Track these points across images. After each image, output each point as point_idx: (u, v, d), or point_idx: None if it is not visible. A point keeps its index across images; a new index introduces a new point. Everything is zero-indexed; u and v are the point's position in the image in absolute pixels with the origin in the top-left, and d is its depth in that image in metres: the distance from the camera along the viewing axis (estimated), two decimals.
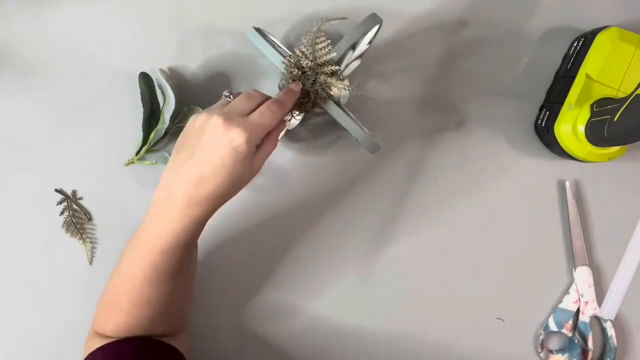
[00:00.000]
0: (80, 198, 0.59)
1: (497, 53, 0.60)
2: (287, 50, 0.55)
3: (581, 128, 0.54)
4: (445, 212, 0.60)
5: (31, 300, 0.59)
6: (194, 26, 0.59)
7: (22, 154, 0.59)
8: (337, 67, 0.51)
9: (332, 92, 0.52)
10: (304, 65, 0.51)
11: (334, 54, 0.51)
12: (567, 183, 0.60)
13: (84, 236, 0.59)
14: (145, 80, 0.57)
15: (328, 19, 0.51)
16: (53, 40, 0.59)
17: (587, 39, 0.56)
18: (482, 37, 0.60)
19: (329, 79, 0.51)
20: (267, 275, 0.60)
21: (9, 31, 0.59)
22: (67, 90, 0.59)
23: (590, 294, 0.60)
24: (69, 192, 0.59)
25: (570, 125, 0.54)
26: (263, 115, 0.44)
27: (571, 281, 0.60)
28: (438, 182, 0.60)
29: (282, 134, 0.51)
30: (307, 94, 0.52)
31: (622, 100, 0.48)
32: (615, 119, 0.48)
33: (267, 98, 0.47)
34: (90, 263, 0.59)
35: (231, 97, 0.47)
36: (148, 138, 0.57)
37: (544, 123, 0.57)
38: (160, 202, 0.45)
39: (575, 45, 0.58)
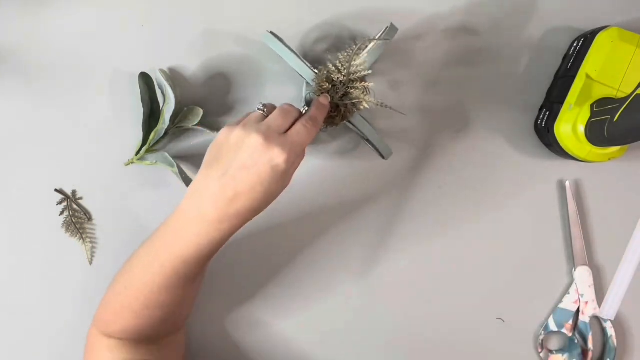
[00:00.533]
0: (80, 198, 0.59)
1: (496, 53, 0.60)
2: (299, 56, 0.55)
3: (581, 128, 0.54)
4: (446, 212, 0.60)
5: (31, 300, 0.59)
6: (194, 26, 0.59)
7: (22, 154, 0.59)
8: (371, 84, 0.51)
9: (362, 108, 0.52)
10: (334, 79, 0.51)
11: (369, 72, 0.51)
12: (567, 183, 0.60)
13: (84, 236, 0.59)
14: (145, 80, 0.57)
15: (373, 37, 0.52)
16: (53, 40, 0.59)
17: (587, 39, 0.56)
18: (482, 38, 0.60)
19: (361, 95, 0.51)
20: (267, 276, 0.60)
21: (9, 31, 0.58)
22: (67, 90, 0.59)
23: (590, 294, 0.60)
24: (69, 192, 0.59)
25: (570, 125, 0.54)
26: (300, 134, 0.45)
27: (571, 281, 0.60)
28: (438, 183, 0.60)
29: None
30: (337, 107, 0.52)
31: (622, 100, 0.48)
32: (615, 119, 0.48)
33: (300, 113, 0.47)
34: (90, 263, 0.59)
35: (264, 110, 0.47)
36: (148, 138, 0.57)
37: (544, 123, 0.57)
38: (189, 213, 0.45)
39: (575, 45, 0.58)
